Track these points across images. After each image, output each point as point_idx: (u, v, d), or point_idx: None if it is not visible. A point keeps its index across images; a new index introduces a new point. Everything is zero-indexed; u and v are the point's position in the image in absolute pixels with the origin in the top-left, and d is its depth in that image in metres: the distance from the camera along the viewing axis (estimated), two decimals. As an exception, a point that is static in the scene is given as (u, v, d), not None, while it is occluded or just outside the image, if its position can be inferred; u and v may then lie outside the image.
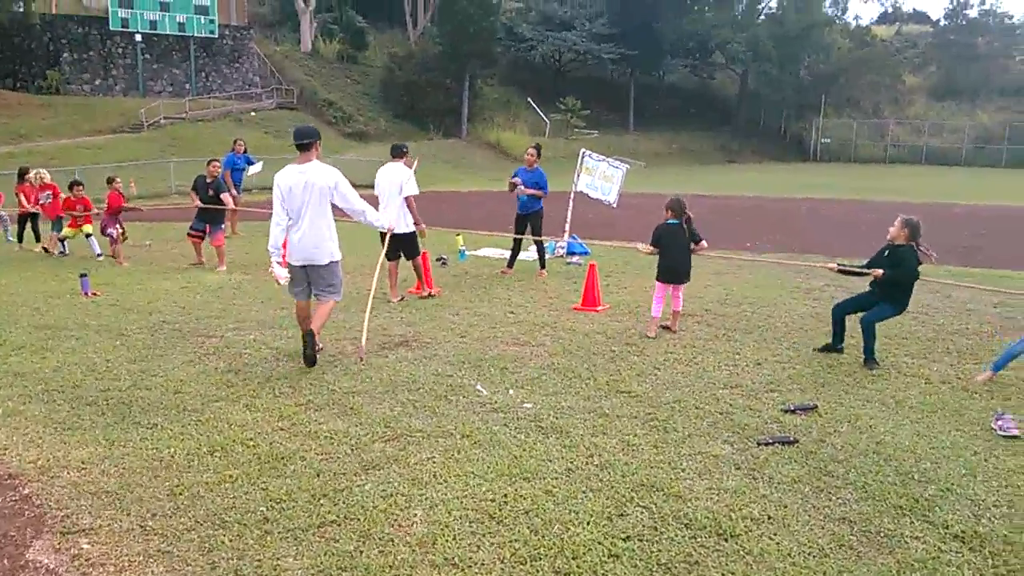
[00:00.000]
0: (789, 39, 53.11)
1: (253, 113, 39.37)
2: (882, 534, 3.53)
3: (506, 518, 3.59)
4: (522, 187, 10.14)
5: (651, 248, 7.29)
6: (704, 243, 7.27)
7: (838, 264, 7.08)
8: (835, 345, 6.61)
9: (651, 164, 44.67)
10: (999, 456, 4.43)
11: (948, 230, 15.06)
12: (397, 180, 8.29)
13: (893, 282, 6.21)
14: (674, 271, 7.14)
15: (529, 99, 49.97)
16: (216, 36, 41.17)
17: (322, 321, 6.14)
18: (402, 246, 8.50)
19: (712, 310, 8.18)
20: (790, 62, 54.43)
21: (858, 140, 55.94)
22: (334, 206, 6.12)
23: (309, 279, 6.12)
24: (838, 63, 56.55)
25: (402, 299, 8.58)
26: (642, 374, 5.92)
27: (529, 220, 10.32)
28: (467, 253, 11.95)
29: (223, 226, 11.50)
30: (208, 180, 11.12)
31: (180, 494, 3.84)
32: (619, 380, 5.75)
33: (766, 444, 4.54)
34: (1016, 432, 4.73)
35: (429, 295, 8.76)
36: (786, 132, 58.54)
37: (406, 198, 8.34)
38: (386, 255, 7.72)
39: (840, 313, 6.62)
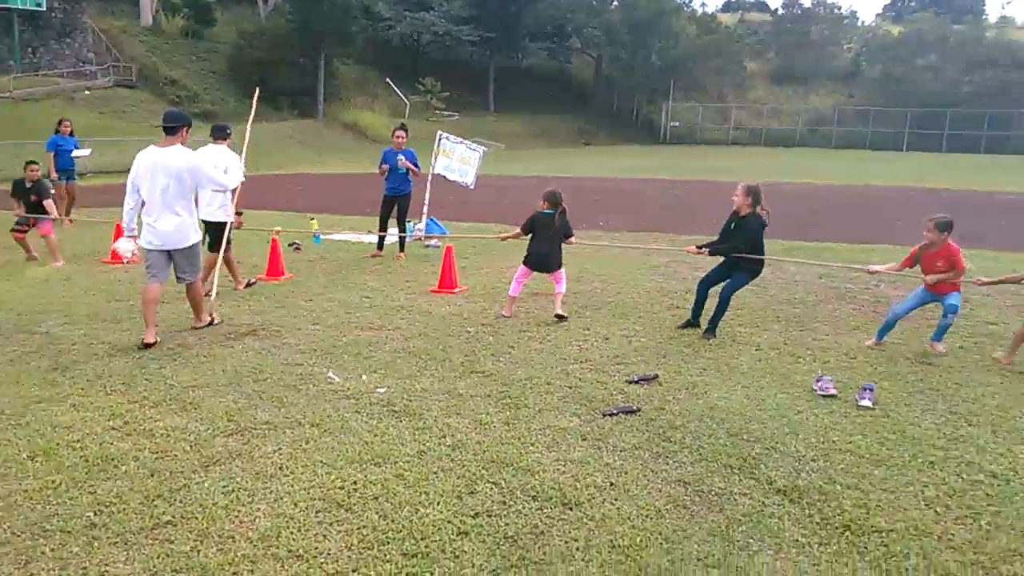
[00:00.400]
0: (641, 25, 55.09)
1: (87, 92, 36.48)
2: (713, 493, 3.77)
3: (355, 505, 3.56)
4: (403, 159, 10.07)
5: (517, 232, 7.40)
6: (573, 239, 7.44)
7: (696, 247, 7.04)
8: (694, 320, 6.86)
9: (510, 146, 45.21)
10: (818, 414, 4.82)
11: (782, 206, 16.18)
12: (221, 165, 7.39)
13: (747, 251, 6.53)
14: (541, 259, 7.21)
15: (388, 80, 49.22)
16: (43, 9, 37.70)
17: (199, 306, 6.55)
18: (209, 235, 7.69)
19: (567, 288, 8.39)
20: (642, 48, 56.48)
21: (704, 123, 58.95)
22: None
23: (173, 261, 6.29)
24: (686, 49, 59.21)
25: (250, 285, 8.26)
26: (496, 353, 6.01)
27: (398, 202, 10.27)
28: (322, 237, 11.66)
29: (50, 216, 10.60)
30: (28, 185, 9.94)
31: (-4, 505, 3.54)
32: (474, 360, 5.81)
33: (611, 414, 4.73)
34: (834, 391, 5.17)
35: (249, 283, 8.34)
36: (638, 116, 60.80)
37: (235, 186, 7.54)
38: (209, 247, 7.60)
39: (705, 288, 6.86)
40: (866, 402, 4.98)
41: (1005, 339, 6.57)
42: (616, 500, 3.65)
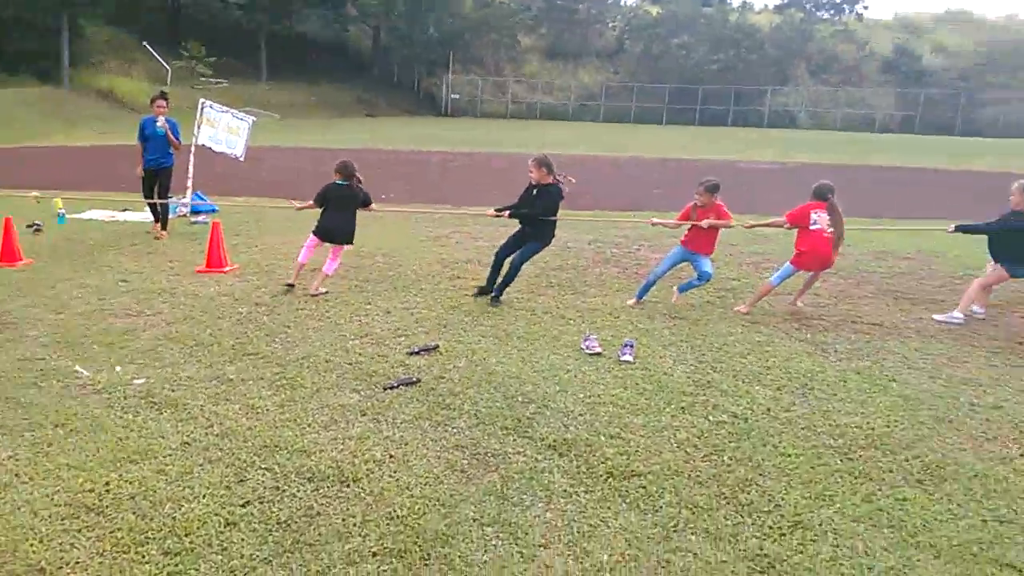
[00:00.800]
0: (419, -4, 54.65)
1: None
2: (489, 454, 3.90)
3: (107, 507, 3.27)
4: (163, 122, 9.34)
5: (310, 203, 7.16)
6: (374, 206, 7.35)
7: (495, 210, 7.21)
8: (488, 288, 6.96)
9: (288, 116, 43.30)
10: (585, 372, 5.14)
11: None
12: None
13: (541, 219, 6.77)
14: (332, 231, 7.05)
15: (146, 43, 44.97)
16: None
17: None
18: None
19: (346, 262, 8.21)
20: (419, 19, 56.11)
21: (483, 96, 60.05)
22: None
23: None
24: (463, 22, 59.68)
25: None
26: (271, 334, 5.78)
27: (159, 176, 9.48)
28: (67, 217, 10.48)
29: None
30: None
31: None
32: (246, 343, 5.54)
33: (391, 388, 4.73)
34: (599, 350, 5.54)
35: None
36: (419, 88, 60.62)
37: None
38: None
39: (502, 256, 6.99)
40: (627, 357, 5.38)
41: (745, 293, 7.38)
42: (395, 472, 3.67)
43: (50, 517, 3.18)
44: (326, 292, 6.96)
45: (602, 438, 4.12)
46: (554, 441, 4.07)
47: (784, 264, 6.83)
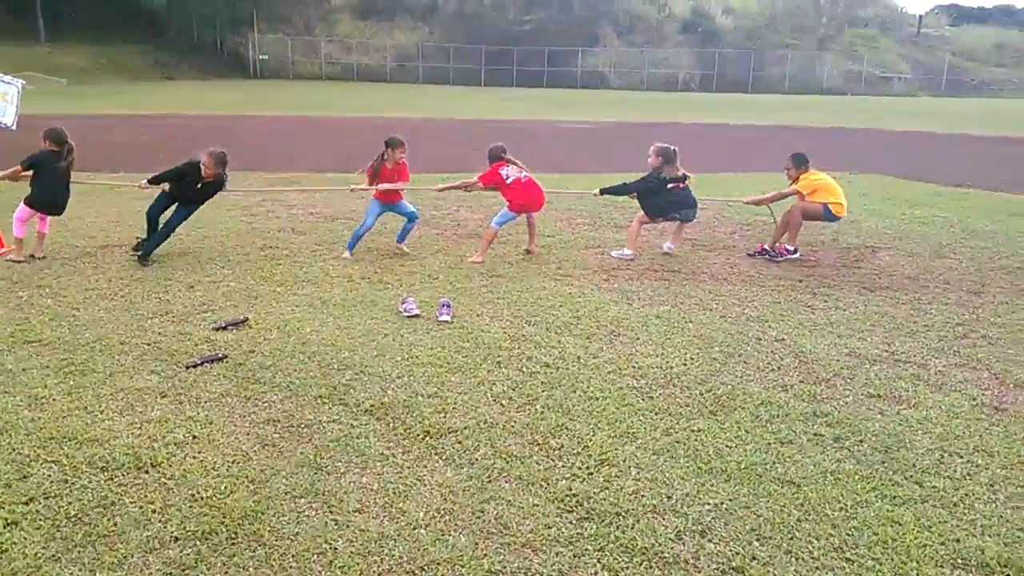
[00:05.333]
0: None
1: None
2: (303, 425, 3.81)
3: None
4: None
5: (16, 170, 6.71)
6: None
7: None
8: (144, 240, 6.90)
9: (75, 81, 39.34)
10: (403, 335, 5.12)
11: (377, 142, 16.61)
12: None
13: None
14: (48, 202, 6.76)
15: None
16: None
17: None
18: None
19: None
20: (213, -27, 52.57)
21: (295, 57, 57.47)
22: None
23: None
24: (260, -22, 56.52)
25: None
26: (57, 317, 5.28)
27: None
28: None
29: None
30: None
31: None
32: (27, 329, 5.03)
33: (195, 366, 4.48)
34: (417, 312, 5.53)
35: None
36: (223, 47, 56.97)
37: None
38: None
39: (155, 215, 6.90)
40: (445, 317, 5.43)
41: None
42: (199, 453, 3.49)
43: None
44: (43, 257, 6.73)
45: (420, 398, 4.14)
46: (371, 406, 4.04)
47: (503, 210, 7.30)
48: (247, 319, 5.31)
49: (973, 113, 34.86)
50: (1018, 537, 3.04)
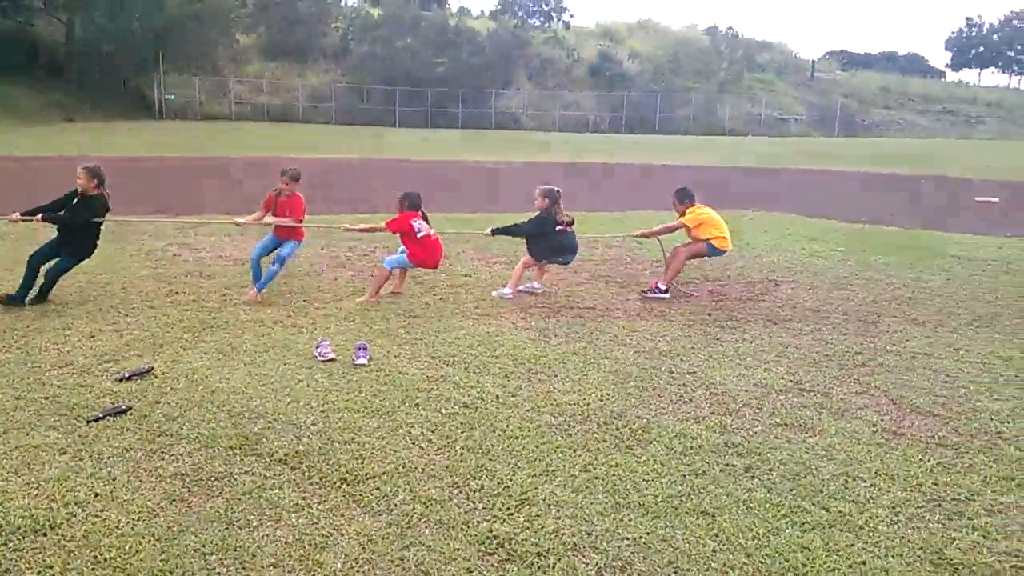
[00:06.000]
0: (116, -12, 49.78)
1: None
2: (213, 478, 3.67)
3: None
4: None
5: None
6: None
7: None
8: (19, 298, 6.53)
9: (-38, 122, 37.31)
10: (319, 380, 5.03)
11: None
12: None
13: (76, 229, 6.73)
14: None
15: None
16: None
17: None
18: None
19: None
20: (120, 12, 51.12)
21: (202, 97, 56.31)
22: None
23: None
24: (171, 17, 55.34)
25: None
26: (-58, 373, 4.96)
27: None
28: None
29: None
30: None
31: None
32: (-92, 386, 4.70)
33: (96, 419, 4.27)
34: (332, 356, 5.44)
35: None
36: (127, 87, 55.30)
37: None
38: None
39: (35, 264, 6.65)
40: (362, 360, 5.36)
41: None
42: (102, 512, 3.32)
43: None
44: None
45: (336, 445, 4.06)
46: (284, 455, 3.93)
47: (401, 256, 7.27)
48: (152, 368, 5.11)
49: (865, 153, 37.06)
50: (919, 556, 3.20)
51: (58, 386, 4.79)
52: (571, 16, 73.43)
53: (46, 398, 4.59)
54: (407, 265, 7.29)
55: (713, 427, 4.43)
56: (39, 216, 6.67)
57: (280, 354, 5.54)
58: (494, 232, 7.80)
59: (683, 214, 7.86)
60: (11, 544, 3.07)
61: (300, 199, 7.24)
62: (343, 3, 72.37)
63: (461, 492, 3.62)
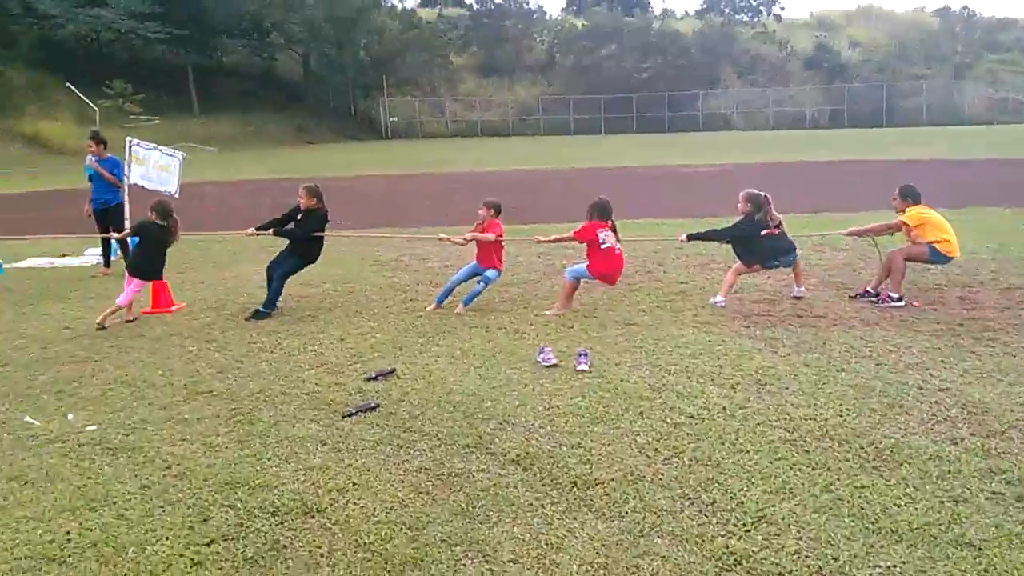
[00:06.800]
0: (344, 20, 54.56)
1: None
2: (453, 474, 3.90)
3: (70, 556, 3.19)
4: (90, 160, 9.69)
5: (125, 233, 8.32)
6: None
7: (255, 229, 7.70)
8: (268, 305, 7.25)
9: (224, 149, 42.67)
10: (543, 384, 5.18)
11: (497, 193, 17.03)
12: None
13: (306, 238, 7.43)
14: (145, 270, 7.34)
15: (68, 84, 43.87)
16: None
17: None
18: None
19: (295, 293, 8.14)
20: (348, 43, 56.02)
21: (422, 117, 60.11)
22: None
23: None
24: (392, 44, 59.73)
25: None
26: (224, 370, 5.68)
27: (106, 215, 9.68)
28: (4, 267, 10.15)
29: None
30: None
31: None
32: (198, 381, 5.45)
33: (350, 415, 4.70)
34: (555, 361, 5.58)
35: None
36: (356, 112, 60.38)
37: None
38: None
39: (272, 268, 7.39)
40: (583, 367, 5.45)
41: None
42: (360, 499, 3.65)
43: (12, 571, 3.09)
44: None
45: (564, 448, 4.16)
46: (517, 456, 4.09)
47: (582, 266, 7.19)
48: (395, 370, 5.53)
49: None
50: None
51: (316, 384, 5.32)
52: (782, 9, 69.74)
53: (306, 394, 5.12)
54: (586, 276, 7.16)
55: (974, 450, 4.01)
56: (271, 231, 7.47)
57: (506, 359, 5.77)
58: (690, 238, 7.58)
59: (903, 212, 7.22)
60: (286, 523, 3.45)
61: (498, 224, 7.37)
62: (548, 17, 74.06)
63: (693, 504, 3.56)
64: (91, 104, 42.15)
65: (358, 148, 45.85)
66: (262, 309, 7.20)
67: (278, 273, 7.33)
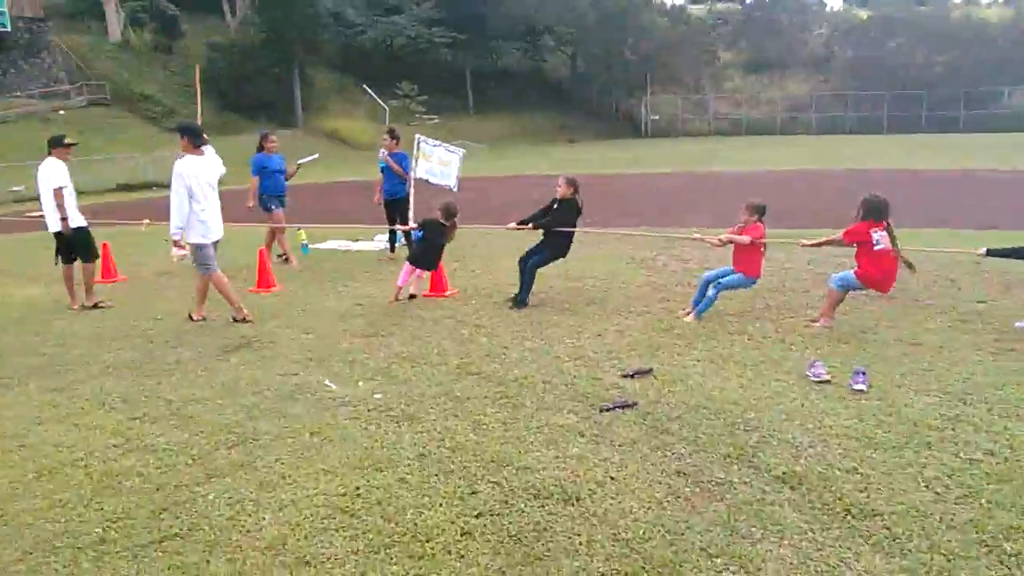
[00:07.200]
0: (612, 19, 55.22)
1: (62, 112, 36.22)
2: (713, 482, 3.81)
3: (359, 510, 3.58)
4: (383, 155, 10.71)
5: (411, 227, 9.17)
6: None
7: (516, 223, 8.02)
8: (522, 297, 7.59)
9: (494, 147, 45.19)
10: (813, 401, 4.87)
11: (765, 195, 16.26)
12: (43, 175, 7.88)
13: (557, 227, 7.58)
14: (424, 262, 8.04)
15: (365, 86, 49.01)
16: (8, 30, 37.46)
17: (205, 296, 7.41)
18: (73, 246, 8.11)
19: (556, 286, 8.42)
20: (615, 42, 56.62)
21: (684, 115, 59.13)
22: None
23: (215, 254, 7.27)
24: (659, 42, 59.35)
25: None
26: (491, 354, 6.03)
27: (393, 206, 10.71)
28: (309, 247, 11.64)
29: None
30: None
31: (5, 524, 3.55)
32: (469, 362, 5.83)
33: (608, 410, 4.76)
34: (827, 377, 5.22)
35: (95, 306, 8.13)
36: (618, 110, 60.92)
37: (54, 191, 7.81)
38: (62, 260, 8.17)
39: (524, 261, 7.68)
40: (860, 386, 5.03)
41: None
42: (617, 494, 3.68)
43: (312, 516, 3.54)
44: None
45: (837, 472, 3.88)
46: (783, 473, 3.89)
47: (848, 272, 6.55)
48: (652, 369, 5.51)
49: None
50: None
51: (574, 375, 5.46)
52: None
53: (565, 385, 5.27)
54: (854, 284, 6.49)
55: None
56: (529, 225, 7.78)
57: (771, 369, 5.51)
58: (989, 253, 6.61)
59: None
60: (546, 507, 3.59)
61: (760, 228, 6.79)
62: (828, 8, 69.25)
63: (991, 553, 3.15)
64: (383, 104, 46.81)
65: (618, 146, 46.26)
66: (519, 298, 7.58)
67: (529, 264, 7.61)
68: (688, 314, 6.97)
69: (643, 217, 14.27)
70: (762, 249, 6.88)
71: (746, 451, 4.15)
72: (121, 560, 3.21)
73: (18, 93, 37.28)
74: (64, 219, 7.88)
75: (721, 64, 63.50)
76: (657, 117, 58.49)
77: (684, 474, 3.90)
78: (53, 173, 7.81)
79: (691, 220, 13.59)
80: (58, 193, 7.78)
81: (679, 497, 3.66)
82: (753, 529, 3.36)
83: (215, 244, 7.29)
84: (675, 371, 5.50)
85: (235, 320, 7.19)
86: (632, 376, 5.39)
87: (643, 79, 57.85)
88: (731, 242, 6.95)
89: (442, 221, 7.99)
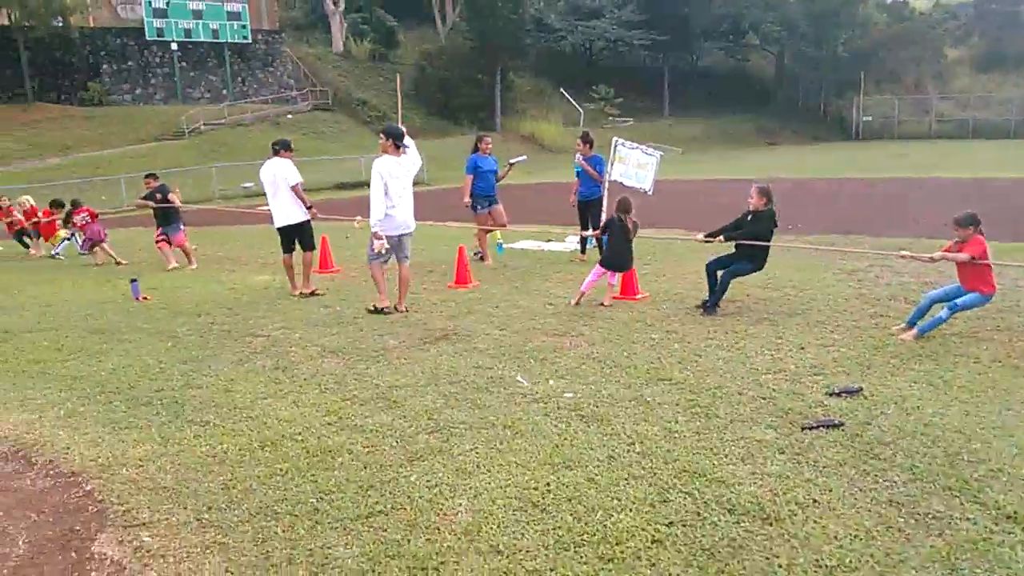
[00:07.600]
0: (823, 16, 52.18)
1: (290, 116, 39.97)
2: (931, 516, 3.48)
3: (549, 505, 3.63)
4: (578, 158, 10.85)
5: (596, 232, 9.07)
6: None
7: (704, 236, 7.73)
8: (712, 301, 7.41)
9: (688, 149, 44.27)
10: (1052, 435, 4.33)
11: (991, 203, 14.66)
12: (281, 174, 8.67)
13: (751, 240, 7.31)
14: (614, 263, 8.00)
15: (562, 89, 49.78)
16: (249, 41, 41.92)
17: (408, 284, 8.04)
18: (298, 236, 8.93)
19: (753, 295, 8.09)
20: (826, 40, 53.46)
21: (900, 116, 54.66)
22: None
23: (400, 246, 7.84)
24: (876, 38, 55.29)
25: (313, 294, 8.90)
26: (683, 361, 5.90)
27: (587, 207, 10.84)
28: (504, 246, 12.00)
29: (178, 226, 11.96)
30: (148, 192, 11.88)
31: (233, 488, 3.96)
32: (659, 368, 5.74)
33: (810, 428, 4.50)
34: (1068, 409, 4.62)
35: (311, 293, 8.93)
36: (826, 111, 57.45)
37: (292, 187, 8.67)
38: (283, 249, 9.01)
39: (713, 270, 7.55)
40: (1108, 423, 4.41)
41: None
42: (821, 518, 3.47)
43: (504, 506, 3.64)
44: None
45: (1083, 518, 3.42)
46: (1015, 512, 3.48)
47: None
48: (861, 388, 5.13)
49: None
50: None
51: (773, 389, 5.21)
52: None
53: (763, 398, 5.04)
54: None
55: None
56: (720, 237, 7.50)
57: (1000, 397, 4.95)
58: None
59: None
60: (742, 524, 3.45)
61: (981, 242, 6.15)
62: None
63: None
64: (578, 107, 47.30)
65: (825, 149, 43.59)
66: (709, 304, 7.40)
67: (725, 273, 7.40)
68: (904, 331, 6.43)
69: (847, 225, 13.34)
70: (989, 265, 6.24)
71: (971, 485, 3.76)
72: (332, 532, 3.48)
73: (254, 99, 41.61)
74: (311, 207, 8.91)
75: (946, 61, 58.03)
76: (870, 118, 54.49)
77: (897, 504, 3.60)
78: (291, 171, 8.72)
79: (903, 231, 12.54)
80: (298, 188, 8.73)
81: (891, 528, 3.39)
82: (978, 571, 3.05)
83: (400, 237, 7.77)
84: (888, 392, 5.09)
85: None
86: (839, 394, 5.06)
87: (856, 78, 54.12)
88: (944, 259, 6.39)
89: (620, 216, 7.95)
